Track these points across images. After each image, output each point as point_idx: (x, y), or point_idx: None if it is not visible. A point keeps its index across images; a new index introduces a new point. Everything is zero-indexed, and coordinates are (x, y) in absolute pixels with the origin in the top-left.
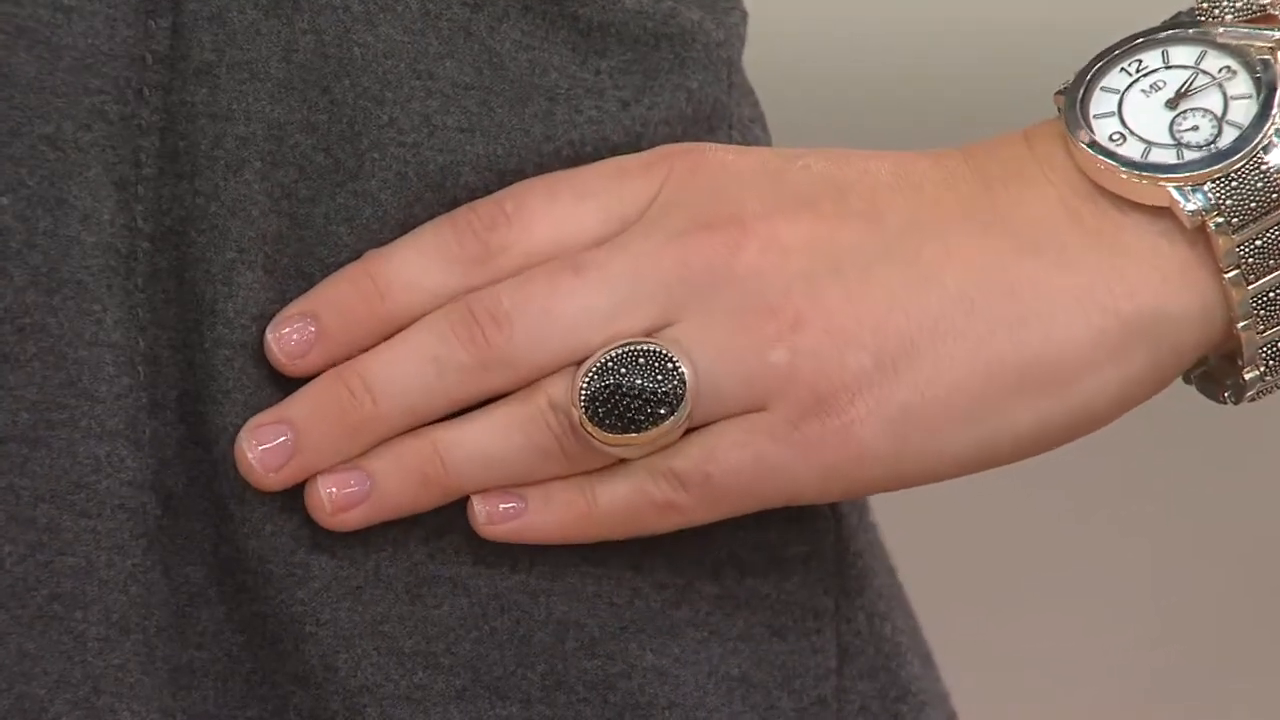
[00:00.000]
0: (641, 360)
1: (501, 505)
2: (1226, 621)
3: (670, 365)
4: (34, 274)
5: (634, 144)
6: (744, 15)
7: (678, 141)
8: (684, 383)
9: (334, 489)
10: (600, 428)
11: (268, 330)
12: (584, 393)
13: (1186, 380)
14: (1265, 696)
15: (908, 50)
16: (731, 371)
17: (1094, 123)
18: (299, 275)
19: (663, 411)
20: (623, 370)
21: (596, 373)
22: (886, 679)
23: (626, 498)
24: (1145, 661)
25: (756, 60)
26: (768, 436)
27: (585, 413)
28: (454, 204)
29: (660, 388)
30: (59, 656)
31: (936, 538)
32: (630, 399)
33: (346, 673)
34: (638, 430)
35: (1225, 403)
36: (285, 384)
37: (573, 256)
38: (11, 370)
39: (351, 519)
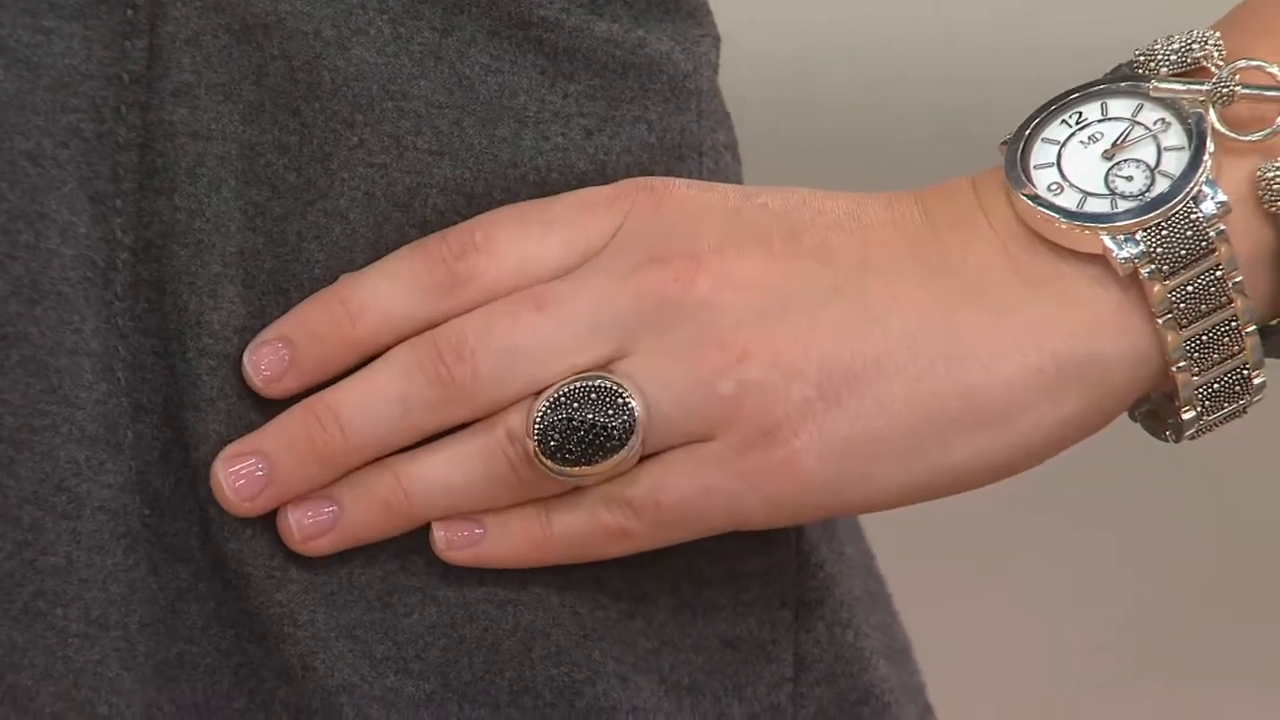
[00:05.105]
0: (593, 396)
1: (460, 531)
2: (1198, 608)
3: (621, 400)
4: (16, 285)
5: (599, 172)
6: (716, 41)
7: (643, 169)
8: (633, 417)
9: (302, 518)
10: (553, 460)
11: (245, 354)
12: (537, 426)
13: (1132, 417)
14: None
15: (887, 58)
16: (681, 402)
17: (1034, 173)
18: (276, 291)
19: (613, 445)
20: (575, 405)
21: (550, 407)
22: (846, 684)
23: (580, 525)
24: (1119, 647)
25: (730, 70)
26: (715, 467)
27: (538, 445)
28: (422, 224)
29: (611, 422)
30: (43, 650)
31: (916, 530)
32: (582, 432)
33: (324, 672)
34: (589, 463)
35: (1167, 440)
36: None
37: (534, 292)
38: None
39: (320, 546)
